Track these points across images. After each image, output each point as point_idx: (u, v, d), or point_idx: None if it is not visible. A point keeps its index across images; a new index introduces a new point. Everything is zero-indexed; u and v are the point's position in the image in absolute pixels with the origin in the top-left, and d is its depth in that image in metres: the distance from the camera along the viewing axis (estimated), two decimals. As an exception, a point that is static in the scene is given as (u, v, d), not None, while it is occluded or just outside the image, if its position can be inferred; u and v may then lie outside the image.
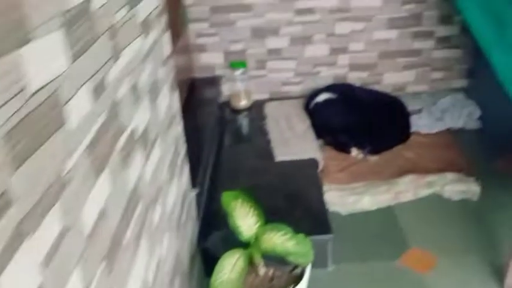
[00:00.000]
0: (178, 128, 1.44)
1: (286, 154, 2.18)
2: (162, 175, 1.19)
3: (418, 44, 2.63)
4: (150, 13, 1.14)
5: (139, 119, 1.00)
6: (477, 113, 2.56)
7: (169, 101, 1.33)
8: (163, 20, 1.30)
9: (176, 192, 1.35)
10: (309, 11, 2.55)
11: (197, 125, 2.23)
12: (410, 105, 2.70)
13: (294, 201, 1.88)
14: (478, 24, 1.90)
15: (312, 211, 1.82)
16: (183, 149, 1.50)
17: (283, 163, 2.15)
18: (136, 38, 1.00)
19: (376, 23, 2.58)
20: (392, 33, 2.60)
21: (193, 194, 1.65)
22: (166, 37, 1.33)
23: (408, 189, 2.08)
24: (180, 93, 2.35)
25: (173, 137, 1.36)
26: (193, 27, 2.62)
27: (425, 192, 2.07)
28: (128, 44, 0.94)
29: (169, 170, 1.29)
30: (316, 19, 2.57)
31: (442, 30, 2.59)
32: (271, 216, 1.41)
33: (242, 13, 2.57)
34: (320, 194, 1.94)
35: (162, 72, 1.26)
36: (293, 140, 2.30)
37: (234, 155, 2.27)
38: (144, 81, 1.05)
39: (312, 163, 2.15)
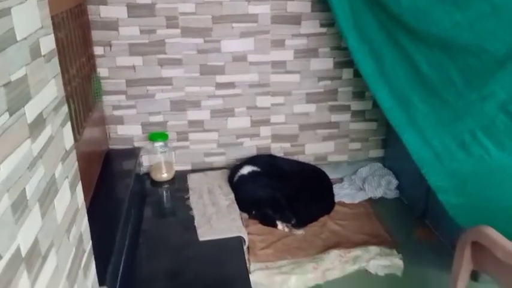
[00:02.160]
0: (82, 223, 1.28)
1: (210, 233, 2.06)
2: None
3: (335, 117, 2.72)
4: (44, 109, 1.02)
5: (25, 234, 0.85)
6: (394, 182, 2.65)
7: (71, 197, 1.18)
8: (63, 111, 1.18)
9: (78, 301, 1.18)
10: (230, 85, 2.55)
11: (111, 200, 2.05)
12: (332, 175, 2.75)
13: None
14: (389, 106, 2.00)
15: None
16: (88, 244, 1.33)
17: (208, 243, 2.02)
18: (23, 143, 0.87)
19: (295, 97, 2.63)
20: (311, 107, 2.67)
21: (102, 293, 1.46)
22: (67, 129, 1.20)
23: (335, 266, 2.04)
24: (94, 167, 2.21)
25: (75, 235, 1.20)
26: (109, 99, 2.49)
27: (351, 268, 2.04)
28: (8, 155, 0.81)
29: (69, 278, 1.11)
30: (237, 93, 2.58)
31: (356, 105, 2.71)
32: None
33: (161, 86, 2.51)
34: (247, 278, 1.82)
35: (62, 168, 1.12)
36: (217, 217, 2.19)
37: (154, 233, 2.11)
38: (33, 189, 0.91)
39: (237, 242, 2.04)
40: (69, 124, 1.22)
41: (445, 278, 1.90)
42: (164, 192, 2.55)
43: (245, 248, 2.09)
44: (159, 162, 2.57)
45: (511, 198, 1.67)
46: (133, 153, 2.56)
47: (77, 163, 1.27)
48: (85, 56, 2.18)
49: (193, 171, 2.69)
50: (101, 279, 1.46)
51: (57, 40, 1.62)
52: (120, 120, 2.55)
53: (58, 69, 1.17)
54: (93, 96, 2.27)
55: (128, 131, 2.59)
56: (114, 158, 2.52)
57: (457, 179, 1.82)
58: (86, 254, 1.30)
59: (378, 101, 2.11)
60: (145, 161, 2.64)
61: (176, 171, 2.65)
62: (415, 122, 1.96)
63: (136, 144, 2.62)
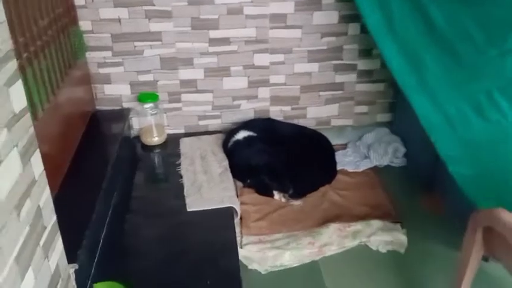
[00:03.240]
0: (41, 196, 1.12)
1: (199, 204, 1.91)
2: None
3: (340, 78, 2.50)
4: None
5: None
6: (402, 149, 2.46)
7: (23, 168, 1.02)
8: (9, 67, 0.98)
9: (34, 283, 1.04)
10: (224, 41, 2.33)
11: (92, 165, 1.90)
12: (336, 140, 2.57)
13: (204, 263, 1.61)
14: (397, 65, 1.79)
15: (225, 278, 1.55)
16: (51, 219, 1.18)
17: (196, 214, 1.87)
18: None
19: (296, 55, 2.41)
20: (314, 66, 2.45)
21: (71, 270, 1.32)
22: (17, 89, 1.01)
23: (333, 240, 1.89)
24: (75, 129, 2.04)
25: (29, 211, 1.04)
26: (93, 56, 2.29)
27: (351, 243, 1.89)
28: None
29: (19, 260, 0.97)
30: (232, 49, 2.36)
31: (363, 64, 2.48)
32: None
33: (149, 42, 2.29)
34: (235, 253, 1.69)
35: (7, 135, 0.95)
36: (208, 185, 2.04)
37: (141, 203, 1.96)
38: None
39: (228, 213, 1.90)
40: (19, 83, 1.03)
41: (452, 257, 1.75)
42: (155, 158, 2.40)
43: (237, 220, 1.94)
44: (150, 125, 2.40)
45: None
46: (121, 115, 2.40)
47: (32, 128, 1.09)
48: (62, 6, 1.96)
49: (186, 134, 2.52)
50: (72, 256, 1.33)
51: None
52: (106, 79, 2.36)
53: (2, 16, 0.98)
54: (73, 52, 2.07)
55: (115, 91, 2.40)
56: (100, 119, 2.36)
57: (470, 148, 1.63)
58: (46, 231, 1.15)
59: (385, 60, 1.89)
60: (136, 123, 2.47)
61: (168, 134, 2.48)
62: (425, 83, 1.75)
63: (125, 105, 2.44)
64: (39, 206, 1.11)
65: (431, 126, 1.71)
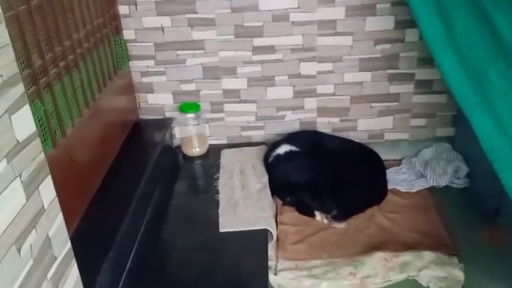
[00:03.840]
0: (52, 225, 1.08)
1: (232, 224, 1.81)
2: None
3: (395, 88, 2.29)
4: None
5: None
6: (464, 169, 2.19)
7: (27, 198, 0.97)
8: (13, 93, 0.93)
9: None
10: (269, 49, 2.21)
11: (127, 176, 1.87)
12: (389, 155, 2.36)
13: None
14: (457, 81, 1.57)
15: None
16: (64, 248, 1.13)
17: (228, 235, 1.78)
18: None
19: (346, 63, 2.23)
20: (366, 76, 2.25)
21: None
22: (22, 115, 0.96)
23: (377, 272, 1.71)
24: (114, 138, 2.03)
25: (35, 244, 0.99)
26: (137, 65, 2.27)
27: (397, 277, 1.69)
28: None
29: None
30: (277, 58, 2.23)
31: (422, 73, 2.25)
32: None
33: (192, 51, 2.23)
34: (265, 280, 1.57)
35: (6, 166, 0.90)
36: (244, 203, 1.94)
37: (176, 217, 1.91)
38: None
39: (262, 236, 1.78)
40: (25, 108, 0.98)
41: None
42: (194, 169, 2.34)
43: (272, 242, 1.82)
44: (191, 135, 2.34)
45: None
46: (163, 124, 2.37)
47: (42, 154, 1.04)
48: (104, 16, 1.95)
49: (228, 145, 2.43)
50: (89, 283, 1.28)
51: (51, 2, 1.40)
52: (149, 88, 2.34)
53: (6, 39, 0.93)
54: (114, 62, 2.05)
55: (158, 100, 2.37)
56: (142, 128, 2.34)
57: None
58: (57, 262, 1.10)
59: (442, 73, 1.67)
60: (178, 133, 2.43)
61: (210, 145, 2.41)
62: (489, 102, 1.51)
63: (167, 115, 2.40)
64: (48, 236, 1.06)
65: (493, 151, 1.48)
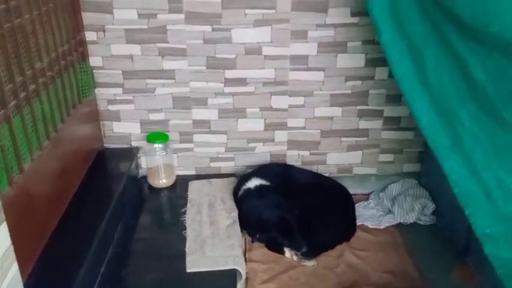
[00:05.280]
0: (4, 279, 0.98)
1: (200, 264, 1.73)
2: None
3: (365, 124, 2.31)
4: None
5: None
6: (431, 206, 2.22)
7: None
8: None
9: None
10: (241, 81, 2.19)
11: (90, 210, 1.77)
12: (357, 189, 2.37)
13: None
14: (427, 122, 1.58)
15: None
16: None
17: (196, 275, 1.70)
18: None
19: (317, 98, 2.23)
20: (336, 111, 2.26)
21: None
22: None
23: (347, 315, 1.67)
24: (77, 167, 1.93)
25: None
26: (103, 92, 2.19)
27: (367, 320, 1.66)
28: None
29: None
30: (249, 91, 2.21)
31: (390, 110, 2.28)
32: None
33: (162, 80, 2.17)
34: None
35: None
36: (213, 241, 1.87)
37: (140, 256, 1.81)
38: None
39: (231, 277, 1.71)
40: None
41: None
42: (160, 201, 2.25)
43: (241, 282, 1.75)
44: (157, 165, 2.26)
45: None
46: (129, 154, 2.28)
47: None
48: (70, 42, 1.87)
49: (197, 176, 2.37)
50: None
51: (12, 29, 1.31)
52: (116, 117, 2.25)
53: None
54: (79, 89, 1.97)
55: (124, 129, 2.28)
56: (107, 157, 2.25)
57: (512, 226, 1.40)
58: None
59: (413, 113, 1.69)
60: (144, 163, 2.34)
61: (178, 175, 2.34)
62: (461, 146, 1.53)
63: (134, 144, 2.32)
64: (-1, 289, 0.96)
65: (465, 196, 1.49)
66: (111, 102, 2.22)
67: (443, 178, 1.72)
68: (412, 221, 2.19)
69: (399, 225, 2.19)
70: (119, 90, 2.19)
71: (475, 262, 1.92)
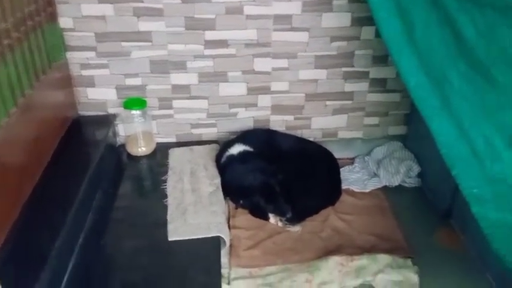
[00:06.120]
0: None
1: (182, 232, 1.69)
2: None
3: (350, 86, 2.24)
4: None
5: None
6: (416, 168, 2.20)
7: None
8: None
9: None
10: (222, 43, 2.09)
11: (66, 179, 1.70)
12: (343, 153, 2.33)
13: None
14: (416, 83, 1.53)
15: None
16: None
17: (177, 244, 1.65)
18: None
19: (301, 60, 2.15)
20: (321, 73, 2.19)
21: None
22: None
23: (333, 278, 1.66)
24: (50, 136, 1.83)
25: None
26: (76, 56, 2.07)
27: (353, 282, 1.66)
28: None
29: None
30: (230, 53, 2.11)
31: (376, 72, 2.22)
32: None
33: (138, 42, 2.06)
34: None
35: None
36: (195, 209, 1.82)
37: (119, 227, 1.75)
38: None
39: (215, 244, 1.67)
40: None
41: None
42: (140, 170, 2.17)
43: (225, 249, 1.72)
44: (136, 133, 2.17)
45: None
46: (106, 121, 2.19)
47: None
48: (37, 3, 1.73)
49: (178, 144, 2.29)
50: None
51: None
52: (90, 82, 2.14)
53: None
54: (48, 53, 1.84)
55: (100, 95, 2.18)
56: (82, 125, 2.15)
57: (499, 187, 1.37)
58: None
59: (401, 74, 1.62)
60: (122, 130, 2.26)
61: (158, 143, 2.26)
62: (449, 106, 1.48)
63: (110, 111, 2.22)
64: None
65: (453, 157, 1.45)
66: (84, 66, 2.10)
67: (428, 140, 1.68)
68: (397, 184, 2.18)
69: (384, 188, 2.17)
70: (92, 54, 2.07)
71: (458, 224, 1.93)
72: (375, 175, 2.24)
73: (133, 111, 2.13)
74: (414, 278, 1.66)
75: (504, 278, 1.54)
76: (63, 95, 2.04)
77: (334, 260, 1.72)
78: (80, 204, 1.61)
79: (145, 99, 2.16)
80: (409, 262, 1.74)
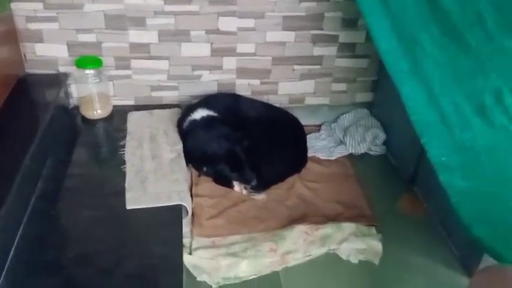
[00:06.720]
0: None
1: (141, 200, 1.59)
2: None
3: (319, 50, 2.16)
4: None
5: None
6: (382, 136, 2.18)
7: None
8: None
9: None
10: (183, -1, 1.94)
11: (10, 145, 1.55)
12: (309, 120, 2.28)
13: (140, 280, 1.33)
14: (387, 47, 1.46)
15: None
16: None
17: (136, 213, 1.56)
18: None
19: (269, 21, 2.04)
20: (289, 35, 2.09)
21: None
22: None
23: (298, 247, 1.63)
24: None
25: None
26: (21, 8, 1.87)
27: (318, 251, 1.63)
28: None
29: None
30: (193, 10, 1.97)
31: (345, 36, 2.14)
32: None
33: (91, -6, 1.88)
34: (179, 265, 1.40)
35: None
36: (155, 176, 1.72)
37: (74, 198, 1.62)
38: None
39: (176, 213, 1.59)
40: None
41: (432, 269, 1.57)
42: (96, 134, 2.04)
43: (187, 218, 1.65)
44: (91, 94, 2.02)
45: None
46: (56, 81, 2.02)
47: None
48: None
49: (136, 107, 2.16)
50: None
51: None
52: (38, 37, 1.95)
53: None
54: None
55: (49, 52, 2.00)
56: (30, 85, 1.97)
57: (467, 155, 1.36)
58: None
59: (372, 37, 1.55)
60: (75, 91, 2.09)
61: (115, 106, 2.12)
62: (420, 71, 1.43)
63: (62, 70, 2.05)
64: None
65: (422, 124, 1.42)
66: (30, 19, 1.90)
67: (394, 108, 1.65)
68: (363, 152, 2.16)
69: (350, 156, 2.15)
70: (40, 6, 1.88)
71: (421, 191, 1.94)
72: (341, 143, 2.21)
73: (87, 71, 1.97)
74: (378, 246, 1.66)
75: (466, 245, 1.56)
76: (6, 51, 1.85)
77: (299, 229, 1.68)
78: (27, 171, 1.48)
79: (101, 58, 2.00)
80: (373, 230, 1.73)
